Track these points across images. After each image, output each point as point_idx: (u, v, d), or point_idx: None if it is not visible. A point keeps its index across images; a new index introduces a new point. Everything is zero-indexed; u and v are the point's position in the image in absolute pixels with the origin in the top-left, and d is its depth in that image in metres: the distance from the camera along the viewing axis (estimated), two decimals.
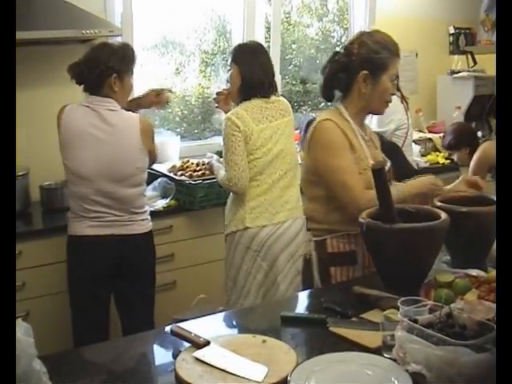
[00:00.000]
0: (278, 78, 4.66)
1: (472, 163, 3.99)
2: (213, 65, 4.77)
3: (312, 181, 2.47)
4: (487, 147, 3.98)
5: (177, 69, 4.71)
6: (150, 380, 1.64)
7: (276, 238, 3.13)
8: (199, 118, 4.78)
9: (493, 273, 2.04)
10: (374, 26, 5.05)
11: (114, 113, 2.91)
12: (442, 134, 4.84)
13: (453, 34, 5.56)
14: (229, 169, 3.11)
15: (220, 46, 4.78)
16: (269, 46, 4.64)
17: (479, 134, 4.39)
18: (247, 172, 3.11)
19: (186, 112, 4.71)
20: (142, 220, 3.00)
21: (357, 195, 2.28)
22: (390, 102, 2.47)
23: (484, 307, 1.63)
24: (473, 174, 3.84)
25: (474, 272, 2.07)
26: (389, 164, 2.49)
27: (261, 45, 3.42)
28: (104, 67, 2.85)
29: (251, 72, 3.18)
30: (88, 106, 2.90)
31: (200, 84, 4.79)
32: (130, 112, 3.01)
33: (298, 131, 4.72)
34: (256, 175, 3.15)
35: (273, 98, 3.25)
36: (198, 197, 3.51)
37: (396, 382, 1.47)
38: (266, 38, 4.71)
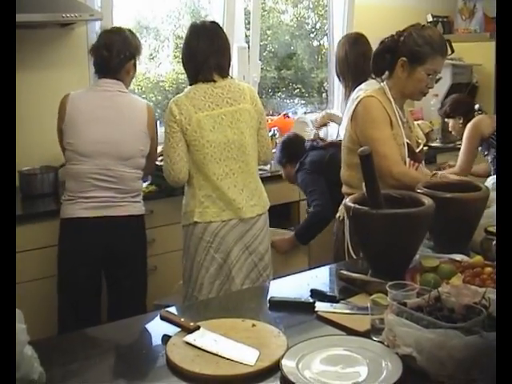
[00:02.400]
0: (257, 63, 4.69)
1: (464, 134, 4.11)
2: None
3: (351, 149, 2.70)
4: (480, 119, 4.11)
5: (151, 54, 4.69)
6: (142, 365, 1.63)
7: (229, 229, 2.93)
8: None
9: (477, 258, 2.07)
10: (353, 13, 5.09)
11: (125, 94, 3.02)
12: (420, 122, 4.91)
13: (431, 22, 5.58)
14: (163, 160, 2.98)
15: None
16: (245, 33, 4.65)
17: (476, 106, 4.45)
18: (182, 165, 2.89)
19: (160, 98, 4.70)
20: (136, 202, 3.05)
21: (392, 164, 2.55)
22: (426, 93, 2.71)
23: (470, 291, 1.65)
24: (465, 145, 4.00)
25: (458, 257, 2.10)
26: (421, 146, 2.84)
27: (202, 24, 3.03)
28: (128, 53, 2.98)
29: (188, 55, 2.96)
30: (97, 90, 3.00)
31: (174, 69, 4.78)
32: (138, 96, 3.16)
33: (271, 117, 4.75)
34: (199, 168, 2.91)
35: (224, 81, 2.95)
36: None
37: (386, 364, 1.50)
38: (245, 24, 4.70)
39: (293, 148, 3.87)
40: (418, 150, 2.79)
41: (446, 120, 4.62)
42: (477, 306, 1.55)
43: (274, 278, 2.87)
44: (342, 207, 2.80)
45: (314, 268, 2.32)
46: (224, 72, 2.97)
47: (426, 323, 1.49)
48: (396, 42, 2.67)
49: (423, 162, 2.85)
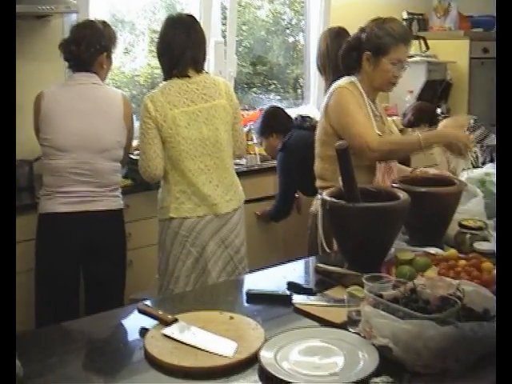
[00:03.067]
0: (233, 58, 4.69)
1: None
2: None
3: (325, 141, 2.76)
4: (448, 123, 4.10)
5: (126, 48, 4.65)
6: (120, 358, 1.64)
7: (205, 224, 2.93)
8: None
9: (451, 251, 2.11)
10: (330, 10, 5.11)
11: (100, 86, 3.00)
12: (394, 118, 4.94)
13: (406, 20, 5.64)
14: (139, 157, 2.98)
15: None
16: (220, 29, 4.65)
17: (438, 111, 4.49)
18: (158, 162, 2.88)
19: (134, 92, 4.66)
20: (115, 196, 3.04)
21: (367, 139, 2.57)
22: (394, 83, 2.76)
23: (445, 283, 1.68)
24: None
25: (433, 250, 2.14)
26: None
27: (178, 17, 3.01)
28: (98, 46, 2.95)
29: (164, 48, 2.93)
30: (71, 84, 2.98)
31: (149, 64, 4.74)
32: (113, 88, 3.18)
33: (247, 111, 4.75)
34: (175, 164, 2.90)
35: (199, 77, 2.93)
36: None
37: (363, 355, 1.51)
38: (221, 19, 4.70)
39: (276, 119, 3.98)
40: None
41: (410, 129, 4.60)
42: (451, 297, 1.58)
43: (250, 271, 2.88)
44: (315, 201, 2.82)
45: (290, 261, 2.34)
46: (199, 66, 2.96)
47: (402, 314, 1.51)
48: (359, 38, 2.75)
49: None
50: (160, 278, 3.06)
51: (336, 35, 3.71)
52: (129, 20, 4.63)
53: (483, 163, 3.28)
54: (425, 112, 4.42)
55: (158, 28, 3.09)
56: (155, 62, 4.64)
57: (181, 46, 2.89)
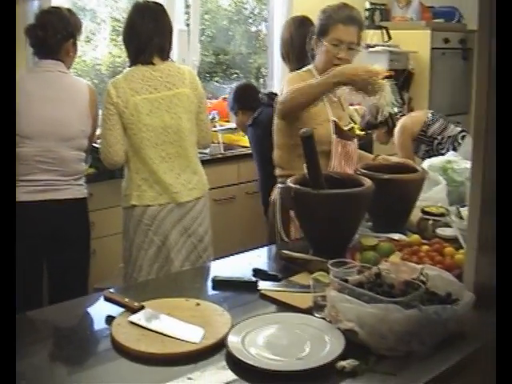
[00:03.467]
0: (197, 46, 4.67)
1: (396, 136, 4.11)
2: None
3: (280, 129, 2.78)
4: (405, 122, 4.13)
5: (87, 36, 4.60)
6: (87, 346, 1.63)
7: (167, 212, 2.92)
8: None
9: (414, 237, 2.14)
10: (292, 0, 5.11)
11: (66, 75, 2.98)
12: (357, 107, 4.97)
13: (368, 10, 5.71)
14: (100, 142, 2.96)
15: None
16: (189, 18, 4.62)
17: (395, 110, 4.49)
18: (119, 148, 2.87)
19: (96, 81, 4.62)
20: (79, 185, 3.01)
21: (279, 98, 2.62)
22: (339, 64, 2.65)
23: (408, 268, 1.71)
24: (399, 147, 4.03)
25: (396, 236, 2.17)
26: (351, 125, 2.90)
27: (146, 4, 2.97)
28: (65, 32, 2.92)
29: (132, 34, 2.91)
30: (37, 71, 2.95)
31: (111, 53, 4.71)
32: (78, 77, 3.17)
33: (209, 100, 4.74)
34: (136, 152, 2.89)
35: (164, 65, 2.92)
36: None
37: (329, 339, 1.53)
38: (185, 7, 4.67)
39: (245, 96, 4.00)
40: (346, 129, 2.82)
41: (369, 131, 4.55)
42: (415, 281, 1.61)
43: (215, 258, 2.88)
44: (274, 190, 2.83)
45: (254, 248, 2.35)
46: (165, 54, 2.95)
47: (367, 299, 1.53)
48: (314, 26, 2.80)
49: (356, 141, 2.85)
50: (124, 267, 3.04)
51: (300, 24, 3.71)
52: (90, 8, 4.58)
53: (442, 154, 3.33)
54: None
55: (120, 16, 3.03)
56: (117, 51, 4.62)
57: (148, 33, 2.88)
